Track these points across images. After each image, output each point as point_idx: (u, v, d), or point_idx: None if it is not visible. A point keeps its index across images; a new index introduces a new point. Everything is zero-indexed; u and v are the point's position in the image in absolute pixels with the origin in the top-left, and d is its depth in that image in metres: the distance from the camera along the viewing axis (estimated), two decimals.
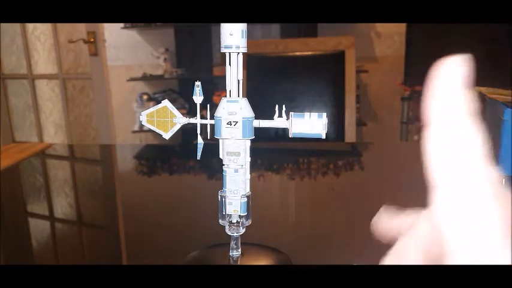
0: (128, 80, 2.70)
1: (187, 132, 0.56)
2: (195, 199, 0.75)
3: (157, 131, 0.42)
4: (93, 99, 2.75)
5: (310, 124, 0.38)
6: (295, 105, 1.38)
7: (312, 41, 1.65)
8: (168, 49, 2.69)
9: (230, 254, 0.44)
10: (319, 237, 0.56)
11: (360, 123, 2.38)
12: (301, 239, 0.57)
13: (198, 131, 0.42)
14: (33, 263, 0.54)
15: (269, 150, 1.04)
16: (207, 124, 0.41)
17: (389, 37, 2.61)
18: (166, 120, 0.42)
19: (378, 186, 0.79)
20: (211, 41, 2.57)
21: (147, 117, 0.42)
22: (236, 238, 0.44)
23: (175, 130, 0.42)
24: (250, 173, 0.42)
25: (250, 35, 0.40)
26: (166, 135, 0.42)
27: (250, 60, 1.39)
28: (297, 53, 1.48)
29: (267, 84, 1.45)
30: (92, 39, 2.49)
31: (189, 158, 1.00)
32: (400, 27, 2.49)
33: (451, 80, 0.15)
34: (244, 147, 0.40)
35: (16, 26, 2.75)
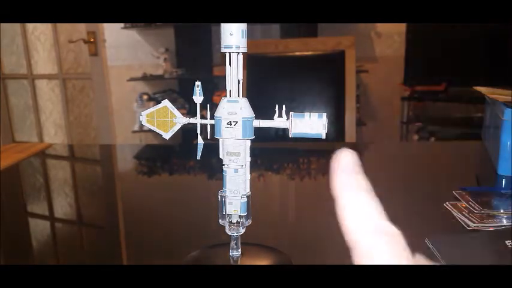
0: (128, 80, 2.70)
1: (187, 132, 0.56)
2: (195, 199, 0.75)
3: (158, 131, 0.42)
4: (93, 99, 2.75)
5: (310, 124, 0.38)
6: (295, 105, 1.38)
7: (312, 41, 1.65)
8: (168, 49, 2.69)
9: (230, 254, 0.44)
10: (319, 237, 0.56)
11: (360, 123, 2.38)
12: (301, 239, 0.57)
13: (198, 131, 0.42)
14: (33, 263, 0.54)
15: (269, 150, 1.04)
16: (207, 124, 0.41)
17: (389, 37, 2.61)
18: (166, 120, 0.42)
19: (378, 186, 0.79)
20: (211, 41, 2.58)
21: (147, 117, 0.42)
22: (236, 238, 0.44)
23: (175, 130, 0.42)
24: (250, 173, 0.42)
25: (250, 35, 0.40)
26: (167, 135, 0.42)
27: (250, 60, 1.39)
28: (297, 53, 1.48)
29: (267, 84, 1.44)
30: (92, 39, 2.50)
31: (189, 158, 1.00)
32: (400, 27, 2.50)
33: (346, 167, 0.20)
34: (244, 147, 0.40)
35: (16, 26, 2.76)
